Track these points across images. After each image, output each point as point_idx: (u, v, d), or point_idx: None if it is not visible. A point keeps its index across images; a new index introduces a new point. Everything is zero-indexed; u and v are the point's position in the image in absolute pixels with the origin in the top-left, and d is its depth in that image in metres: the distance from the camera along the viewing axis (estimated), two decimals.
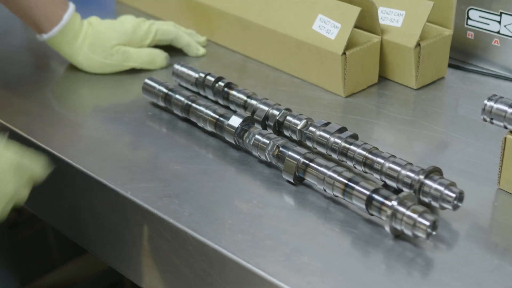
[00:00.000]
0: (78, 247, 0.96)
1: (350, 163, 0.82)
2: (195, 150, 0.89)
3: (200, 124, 0.91)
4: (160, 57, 1.08)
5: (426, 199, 0.75)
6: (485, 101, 0.78)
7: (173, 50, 1.12)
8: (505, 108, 0.76)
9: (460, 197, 0.73)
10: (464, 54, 1.07)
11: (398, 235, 0.73)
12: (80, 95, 1.04)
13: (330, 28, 0.97)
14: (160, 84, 0.96)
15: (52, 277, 1.54)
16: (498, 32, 1.03)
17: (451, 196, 0.73)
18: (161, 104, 0.96)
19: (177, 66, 1.02)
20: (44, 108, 0.99)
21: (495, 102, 0.77)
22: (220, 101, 0.97)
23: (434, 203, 0.74)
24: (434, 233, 0.70)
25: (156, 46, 1.11)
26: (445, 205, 0.73)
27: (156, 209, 0.78)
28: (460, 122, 0.94)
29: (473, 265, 0.69)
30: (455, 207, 0.73)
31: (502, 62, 1.04)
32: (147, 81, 0.98)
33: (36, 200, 0.87)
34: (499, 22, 1.02)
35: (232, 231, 0.74)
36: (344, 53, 0.96)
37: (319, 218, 0.76)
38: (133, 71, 1.07)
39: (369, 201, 0.73)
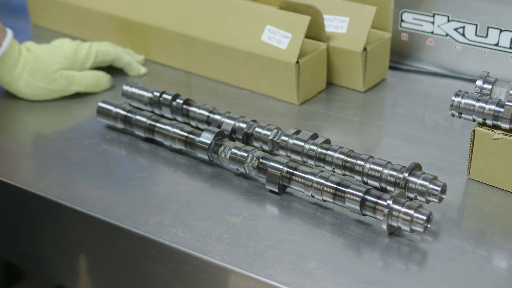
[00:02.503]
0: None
1: (328, 168, 0.84)
2: (167, 170, 0.88)
3: (167, 143, 0.90)
4: (105, 79, 1.06)
5: (411, 195, 0.78)
6: (453, 97, 0.82)
7: (111, 71, 1.10)
8: (473, 102, 0.81)
9: (443, 189, 0.77)
10: (399, 55, 1.12)
11: (392, 232, 0.76)
12: (26, 124, 1.00)
13: (280, 38, 0.99)
14: (116, 106, 0.94)
15: None
16: (432, 32, 1.08)
17: (436, 190, 0.76)
18: (120, 126, 0.94)
19: (126, 87, 1.01)
20: None
21: (462, 97, 0.82)
22: (179, 119, 0.96)
23: (420, 198, 0.77)
24: (429, 225, 0.73)
25: (96, 68, 1.08)
26: (431, 198, 0.77)
27: (147, 233, 0.76)
28: (413, 120, 0.99)
29: (469, 253, 0.73)
30: (440, 200, 0.77)
31: (437, 61, 1.10)
32: (101, 104, 0.96)
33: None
34: (433, 23, 1.07)
35: (232, 246, 0.74)
36: (297, 62, 0.98)
37: (312, 224, 0.77)
38: (75, 95, 1.05)
39: (362, 202, 0.75)
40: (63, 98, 1.04)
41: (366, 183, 0.81)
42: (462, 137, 0.94)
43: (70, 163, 0.89)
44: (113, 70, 1.10)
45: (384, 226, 0.74)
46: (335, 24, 1.03)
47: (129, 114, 0.93)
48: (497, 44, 1.03)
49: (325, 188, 0.78)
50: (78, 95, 1.05)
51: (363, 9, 1.01)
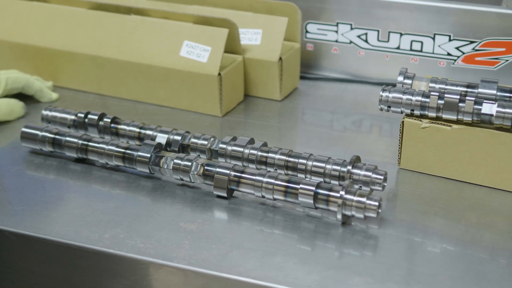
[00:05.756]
0: None
1: (270, 169, 0.86)
2: (106, 188, 0.86)
3: (103, 161, 0.89)
4: (18, 106, 1.03)
5: (356, 186, 0.82)
6: (381, 93, 0.87)
7: (21, 99, 1.06)
8: (400, 95, 0.86)
9: (385, 177, 0.81)
10: (306, 65, 1.17)
11: (344, 222, 0.79)
12: None
13: (200, 52, 1.01)
14: (41, 130, 0.92)
15: None
16: (336, 41, 1.14)
17: (380, 179, 0.81)
18: (47, 149, 0.92)
19: (46, 112, 0.98)
20: None
21: (389, 92, 0.87)
22: (108, 138, 0.95)
23: (364, 188, 0.81)
24: (380, 211, 0.77)
25: (6, 96, 1.05)
26: (375, 187, 0.81)
27: (105, 248, 0.75)
28: (333, 122, 1.03)
29: (419, 233, 0.77)
30: (383, 187, 0.81)
31: (343, 68, 1.16)
32: (25, 129, 0.93)
33: None
34: (336, 32, 1.13)
35: (195, 250, 0.74)
36: (219, 74, 1.00)
37: (266, 223, 0.79)
38: None
39: (315, 196, 0.78)
40: None
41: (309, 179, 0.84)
42: (383, 133, 1.00)
43: (2, 190, 0.85)
44: (23, 97, 1.07)
45: (339, 216, 0.77)
46: (248, 37, 1.06)
47: (57, 136, 0.91)
48: (398, 48, 1.11)
49: (275, 187, 0.80)
50: None
51: (275, 20, 1.05)
